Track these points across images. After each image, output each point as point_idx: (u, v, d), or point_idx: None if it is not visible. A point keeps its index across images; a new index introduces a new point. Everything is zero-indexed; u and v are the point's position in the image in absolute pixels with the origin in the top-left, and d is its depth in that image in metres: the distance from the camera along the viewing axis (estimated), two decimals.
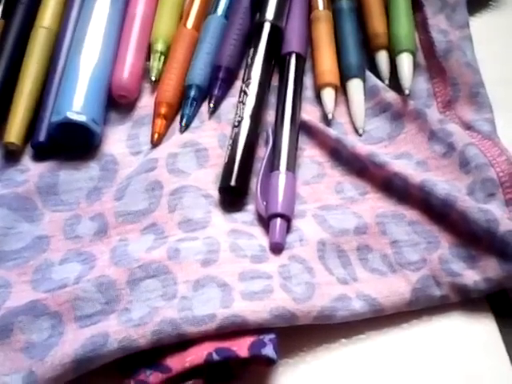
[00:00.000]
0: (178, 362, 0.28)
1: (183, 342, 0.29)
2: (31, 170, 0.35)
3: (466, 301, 0.32)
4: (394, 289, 0.32)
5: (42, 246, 0.33)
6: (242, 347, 0.29)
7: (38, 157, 0.35)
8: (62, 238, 0.33)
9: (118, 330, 0.29)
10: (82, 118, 0.35)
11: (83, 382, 0.29)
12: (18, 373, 0.29)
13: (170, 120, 0.37)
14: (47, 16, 0.39)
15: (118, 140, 0.36)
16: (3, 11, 0.40)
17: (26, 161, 0.35)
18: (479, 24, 0.43)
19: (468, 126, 0.37)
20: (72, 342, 0.29)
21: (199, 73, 0.37)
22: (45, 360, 0.29)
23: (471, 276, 0.32)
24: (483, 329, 0.32)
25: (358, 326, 0.32)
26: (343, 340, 0.32)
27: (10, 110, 0.36)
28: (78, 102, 0.35)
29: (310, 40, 0.39)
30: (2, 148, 0.36)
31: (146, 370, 0.28)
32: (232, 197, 0.34)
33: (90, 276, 0.31)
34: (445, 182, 0.34)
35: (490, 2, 0.45)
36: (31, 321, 0.30)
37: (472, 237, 0.32)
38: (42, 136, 0.35)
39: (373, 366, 0.31)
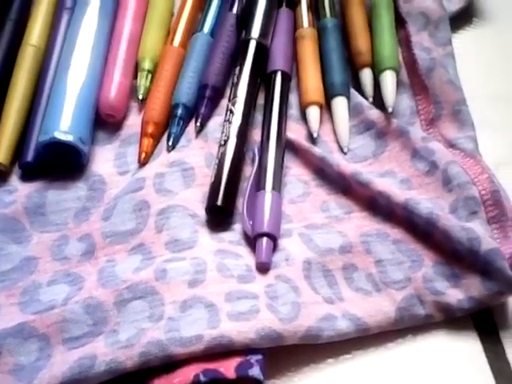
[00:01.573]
0: None
1: (170, 364, 0.29)
2: (19, 191, 0.35)
3: (450, 319, 0.33)
4: (378, 308, 0.32)
5: (30, 267, 0.33)
6: (228, 368, 0.29)
7: (26, 177, 0.36)
8: (49, 260, 0.33)
9: (106, 352, 0.29)
10: (69, 138, 0.35)
11: None
12: None
13: (157, 139, 0.37)
14: (35, 33, 0.39)
15: (105, 159, 0.37)
16: None
17: (14, 181, 0.35)
18: (462, 40, 0.44)
19: (451, 144, 0.37)
20: (60, 365, 0.29)
21: (186, 91, 0.38)
22: (33, 382, 0.29)
23: (455, 295, 0.32)
24: (468, 347, 0.33)
25: (344, 345, 0.32)
26: (330, 360, 0.32)
27: None
28: (65, 122, 0.35)
29: (295, 58, 0.40)
30: None
31: None
32: (219, 216, 0.34)
33: (77, 297, 0.31)
34: (428, 201, 0.34)
35: (474, 19, 0.45)
36: (19, 343, 0.30)
37: (455, 255, 0.33)
38: (29, 156, 0.36)
39: None
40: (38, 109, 0.37)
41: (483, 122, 0.39)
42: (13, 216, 0.34)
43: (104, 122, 0.38)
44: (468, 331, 0.33)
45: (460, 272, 0.33)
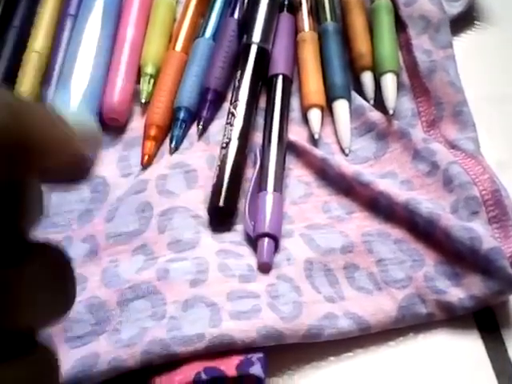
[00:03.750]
0: (167, 382, 0.29)
1: (172, 362, 0.29)
2: None
3: (452, 318, 0.33)
4: (380, 307, 0.32)
5: None
6: (229, 366, 0.29)
7: None
8: None
9: (108, 351, 0.29)
10: None
11: None
12: None
13: (159, 142, 0.37)
14: (39, 40, 0.40)
15: (108, 162, 0.37)
16: None
17: None
18: (464, 43, 0.44)
19: (452, 145, 0.38)
20: (63, 363, 0.29)
21: (188, 95, 0.38)
22: None
23: (456, 293, 0.32)
24: (469, 345, 0.33)
25: (345, 344, 0.32)
26: (331, 358, 0.32)
27: None
28: None
29: (296, 61, 0.40)
30: None
31: None
32: (220, 217, 0.34)
33: (80, 297, 0.31)
34: (429, 201, 0.35)
35: (476, 22, 0.46)
36: None
37: (456, 255, 0.33)
38: None
39: None
40: None
41: (484, 123, 0.39)
42: None
43: (107, 125, 0.38)
44: (470, 330, 0.33)
45: (461, 271, 0.33)
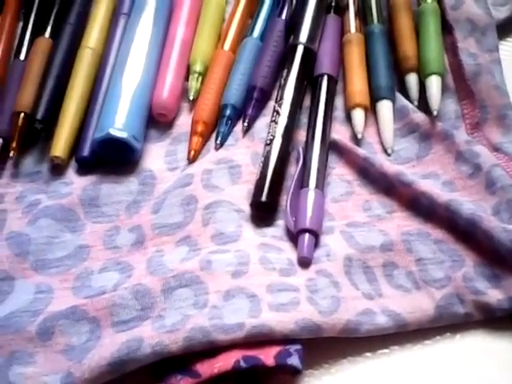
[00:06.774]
0: (207, 368, 0.30)
1: (213, 349, 0.30)
2: (75, 183, 0.37)
3: (489, 319, 0.33)
4: (418, 305, 0.33)
5: (82, 255, 0.35)
6: (268, 356, 0.30)
7: (82, 171, 0.38)
8: (101, 248, 0.35)
9: (152, 336, 0.30)
10: (123, 135, 0.37)
11: None
12: (57, 373, 0.31)
13: (206, 138, 0.38)
14: (93, 37, 0.41)
15: (156, 156, 0.38)
16: (51, 31, 0.42)
17: (71, 174, 0.37)
18: (511, 47, 0.44)
19: (495, 148, 0.38)
20: (108, 346, 0.31)
21: (234, 93, 0.39)
22: (83, 362, 0.31)
23: (495, 295, 0.33)
24: (506, 347, 0.33)
25: (382, 340, 0.33)
26: (367, 354, 0.33)
27: (57, 126, 0.38)
28: (119, 120, 0.37)
29: (341, 62, 0.41)
30: (49, 162, 0.38)
31: (177, 375, 0.30)
32: (263, 212, 0.35)
33: (127, 284, 0.33)
34: (471, 202, 0.35)
35: None
36: (71, 325, 0.32)
37: (496, 256, 0.33)
38: (85, 151, 0.38)
39: (396, 381, 0.32)
40: (95, 107, 0.39)
41: None
42: (68, 207, 0.36)
43: (156, 121, 0.39)
44: (506, 331, 0.33)
45: (501, 273, 0.33)
